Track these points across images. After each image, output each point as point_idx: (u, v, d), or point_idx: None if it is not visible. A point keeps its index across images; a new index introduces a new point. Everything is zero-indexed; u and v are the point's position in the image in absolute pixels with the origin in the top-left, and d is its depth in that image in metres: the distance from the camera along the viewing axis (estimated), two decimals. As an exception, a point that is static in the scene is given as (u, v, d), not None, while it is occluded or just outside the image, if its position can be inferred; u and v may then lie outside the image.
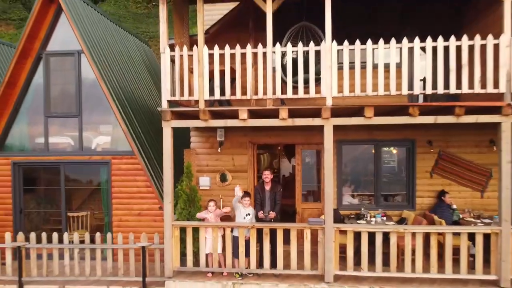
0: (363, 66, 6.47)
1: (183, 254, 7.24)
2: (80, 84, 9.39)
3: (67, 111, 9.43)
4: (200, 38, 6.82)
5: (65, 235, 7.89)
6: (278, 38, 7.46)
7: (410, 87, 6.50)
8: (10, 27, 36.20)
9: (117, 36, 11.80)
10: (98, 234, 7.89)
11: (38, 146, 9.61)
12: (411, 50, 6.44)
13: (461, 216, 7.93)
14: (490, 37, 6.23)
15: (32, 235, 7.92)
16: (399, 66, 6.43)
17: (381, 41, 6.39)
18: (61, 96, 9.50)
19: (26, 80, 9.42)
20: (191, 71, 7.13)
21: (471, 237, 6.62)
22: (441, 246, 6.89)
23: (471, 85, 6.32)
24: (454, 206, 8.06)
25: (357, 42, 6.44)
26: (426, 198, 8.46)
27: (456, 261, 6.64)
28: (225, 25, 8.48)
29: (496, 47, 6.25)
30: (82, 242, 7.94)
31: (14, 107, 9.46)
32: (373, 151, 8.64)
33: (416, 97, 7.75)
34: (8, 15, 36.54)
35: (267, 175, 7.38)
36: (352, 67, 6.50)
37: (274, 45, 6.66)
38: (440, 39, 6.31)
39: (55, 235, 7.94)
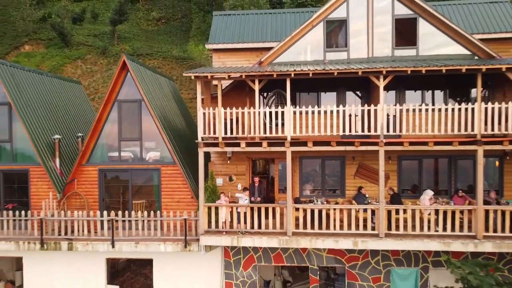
0: (306, 112, 12.13)
1: (209, 222, 12.85)
2: (140, 119, 15.01)
3: (133, 136, 15.07)
4: (219, 102, 12.41)
5: (139, 213, 13.51)
6: (264, 92, 13.10)
7: (331, 129, 12.10)
8: (40, 46, 41.92)
9: (158, 82, 17.44)
10: (158, 212, 13.50)
11: (113, 158, 15.24)
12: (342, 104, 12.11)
13: (370, 201, 13.51)
14: (372, 105, 11.84)
15: (119, 212, 13.57)
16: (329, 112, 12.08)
17: (316, 107, 12.02)
18: (128, 127, 15.11)
19: (106, 117, 15.06)
20: (213, 116, 12.68)
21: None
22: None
23: (362, 130, 11.94)
24: (367, 195, 13.66)
25: (303, 107, 12.08)
26: (352, 191, 14.06)
27: (361, 225, 12.26)
28: (232, 88, 14.12)
29: (376, 110, 11.87)
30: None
31: (99, 134, 15.10)
32: (321, 162, 14.25)
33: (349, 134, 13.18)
34: (38, 35, 42.22)
35: (256, 179, 13.04)
36: (301, 112, 12.22)
37: (261, 94, 12.29)
38: (347, 106, 11.93)
39: (133, 213, 13.60)
